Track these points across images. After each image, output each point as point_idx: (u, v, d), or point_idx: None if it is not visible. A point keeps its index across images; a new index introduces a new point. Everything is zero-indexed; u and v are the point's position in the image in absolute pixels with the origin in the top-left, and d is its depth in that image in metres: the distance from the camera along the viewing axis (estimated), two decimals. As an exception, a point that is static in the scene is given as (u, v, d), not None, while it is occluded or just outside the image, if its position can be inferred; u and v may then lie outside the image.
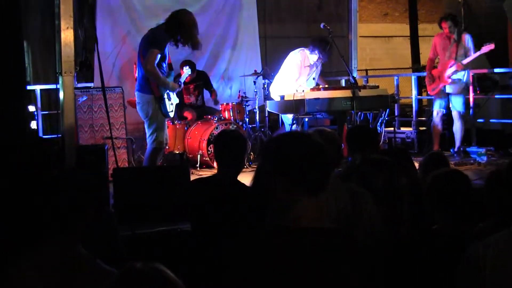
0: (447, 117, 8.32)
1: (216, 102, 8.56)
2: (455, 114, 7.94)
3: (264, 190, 1.96)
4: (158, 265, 1.65)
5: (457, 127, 7.96)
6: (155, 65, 5.83)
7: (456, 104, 7.89)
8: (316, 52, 7.53)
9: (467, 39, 7.87)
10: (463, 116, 7.97)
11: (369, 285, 1.85)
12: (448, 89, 7.92)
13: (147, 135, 6.08)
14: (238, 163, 3.65)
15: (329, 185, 1.96)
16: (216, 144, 3.75)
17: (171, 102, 6.12)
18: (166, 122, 6.33)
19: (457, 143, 7.98)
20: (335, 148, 3.16)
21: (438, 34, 8.12)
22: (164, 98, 5.98)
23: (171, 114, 6.21)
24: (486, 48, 7.63)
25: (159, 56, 5.85)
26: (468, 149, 8.13)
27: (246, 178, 3.95)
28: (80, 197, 2.21)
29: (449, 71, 7.81)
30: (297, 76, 7.61)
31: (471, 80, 8.26)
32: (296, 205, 1.89)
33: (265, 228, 1.92)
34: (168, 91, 6.03)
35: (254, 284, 1.83)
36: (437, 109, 8.07)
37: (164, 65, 6.04)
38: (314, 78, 7.79)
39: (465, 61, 7.72)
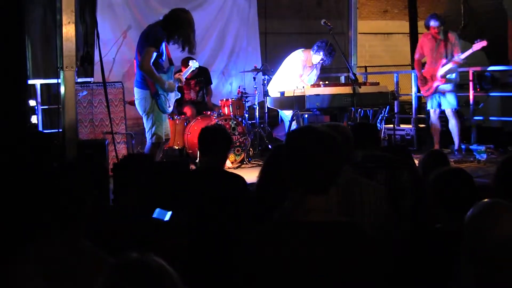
0: (444, 115, 8.31)
1: (210, 104, 8.56)
2: (448, 112, 7.92)
3: (269, 185, 1.97)
4: (152, 256, 1.65)
5: (453, 124, 7.95)
6: (151, 63, 5.84)
7: (449, 102, 7.87)
8: (321, 53, 7.53)
9: (454, 36, 7.85)
10: (457, 112, 7.97)
11: (377, 278, 1.86)
12: (441, 88, 7.90)
13: (146, 130, 6.10)
14: (221, 153, 3.79)
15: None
16: (201, 137, 3.87)
17: (169, 97, 6.12)
18: (166, 117, 6.33)
19: (456, 140, 7.98)
20: (348, 143, 3.16)
21: (424, 35, 8.06)
22: (160, 94, 5.99)
23: (169, 110, 6.21)
24: (478, 45, 7.55)
25: (155, 54, 5.86)
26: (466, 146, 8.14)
27: (245, 174, 3.97)
28: (80, 190, 2.22)
29: (442, 70, 7.77)
30: (301, 73, 7.63)
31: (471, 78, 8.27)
32: (306, 199, 1.90)
33: (275, 222, 1.92)
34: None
35: (263, 278, 1.84)
36: (433, 108, 8.06)
37: (162, 62, 6.05)
38: (314, 80, 7.84)
39: (462, 56, 7.66)
